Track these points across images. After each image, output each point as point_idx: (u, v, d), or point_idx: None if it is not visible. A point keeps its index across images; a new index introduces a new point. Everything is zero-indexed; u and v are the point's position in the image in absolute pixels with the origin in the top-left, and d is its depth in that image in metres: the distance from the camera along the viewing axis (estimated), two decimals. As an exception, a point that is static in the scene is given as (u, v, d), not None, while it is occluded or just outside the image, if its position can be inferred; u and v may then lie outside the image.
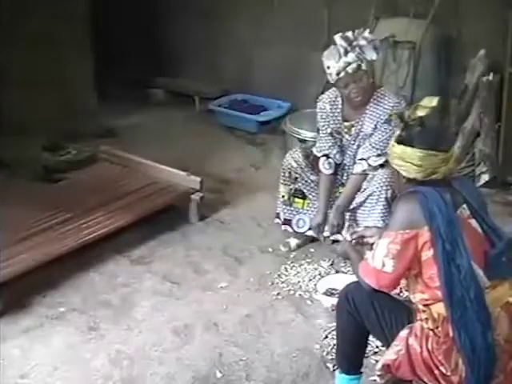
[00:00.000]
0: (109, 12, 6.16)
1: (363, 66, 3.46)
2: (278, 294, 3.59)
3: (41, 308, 3.49)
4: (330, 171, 3.79)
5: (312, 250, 3.99)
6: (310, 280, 3.69)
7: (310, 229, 3.91)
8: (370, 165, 3.63)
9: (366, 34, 3.50)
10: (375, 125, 3.59)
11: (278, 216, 3.98)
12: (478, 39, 4.69)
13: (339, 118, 3.72)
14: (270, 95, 5.85)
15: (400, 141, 2.44)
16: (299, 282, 3.68)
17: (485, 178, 4.53)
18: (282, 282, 3.68)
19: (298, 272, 3.77)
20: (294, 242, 4.01)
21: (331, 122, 3.73)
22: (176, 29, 6.33)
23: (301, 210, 3.91)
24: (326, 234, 3.85)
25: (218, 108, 5.89)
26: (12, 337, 3.27)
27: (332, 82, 3.56)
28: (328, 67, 3.49)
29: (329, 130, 3.75)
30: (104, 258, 3.89)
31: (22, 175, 4.73)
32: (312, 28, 5.53)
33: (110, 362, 3.11)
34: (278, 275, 3.74)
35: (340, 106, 3.70)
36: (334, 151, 3.76)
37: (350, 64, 3.43)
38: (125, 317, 3.42)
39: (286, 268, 3.81)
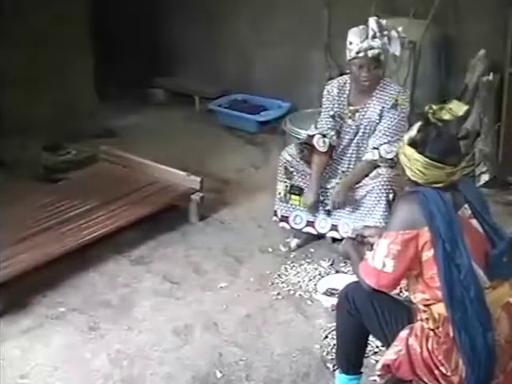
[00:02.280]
0: (109, 12, 6.15)
1: (382, 57, 3.54)
2: (278, 293, 3.59)
3: (41, 308, 3.49)
4: (325, 149, 3.79)
5: (312, 249, 3.99)
6: (310, 280, 3.69)
7: (307, 225, 3.91)
8: (381, 156, 3.65)
9: (400, 29, 3.59)
10: (381, 110, 3.65)
11: (275, 214, 3.97)
12: (478, 39, 4.70)
13: (345, 103, 3.76)
14: (270, 95, 5.85)
15: (412, 143, 2.42)
16: (299, 282, 3.68)
17: (485, 178, 4.53)
18: (282, 282, 3.68)
19: (298, 272, 3.77)
20: (294, 242, 4.01)
21: (336, 105, 3.77)
22: (176, 29, 6.33)
23: (297, 207, 3.91)
24: (323, 230, 3.88)
25: (218, 108, 5.89)
26: (12, 337, 3.27)
27: (348, 58, 3.59)
28: (350, 43, 3.55)
29: (331, 113, 3.78)
30: (104, 258, 3.89)
31: (21, 175, 4.74)
32: (312, 28, 5.53)
33: (110, 362, 3.11)
34: (278, 275, 3.74)
35: (347, 92, 3.76)
36: (332, 133, 3.78)
37: (372, 48, 3.50)
38: (125, 317, 3.43)
39: (286, 268, 3.80)
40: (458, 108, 2.43)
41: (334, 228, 3.83)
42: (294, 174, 3.86)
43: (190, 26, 6.21)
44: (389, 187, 3.59)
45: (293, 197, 3.90)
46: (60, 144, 5.05)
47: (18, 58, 5.00)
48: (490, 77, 4.54)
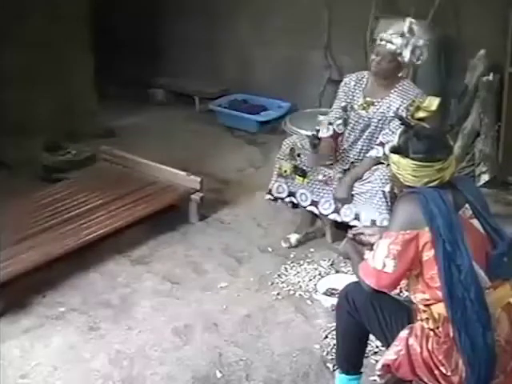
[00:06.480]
0: (109, 12, 6.15)
1: (399, 57, 3.61)
2: (278, 294, 3.59)
3: (41, 308, 3.49)
4: (328, 133, 3.83)
5: (312, 249, 3.99)
6: (310, 280, 3.69)
7: (311, 204, 3.88)
8: (385, 153, 3.66)
9: (422, 41, 3.65)
10: (397, 109, 3.66)
11: (270, 192, 3.96)
12: (478, 39, 4.70)
13: (359, 94, 3.81)
14: (270, 95, 5.85)
15: (396, 150, 2.44)
16: (299, 282, 3.68)
17: (485, 178, 4.53)
18: (282, 282, 3.69)
19: (298, 272, 3.77)
20: (294, 237, 4.01)
21: (350, 96, 3.83)
22: (176, 28, 6.32)
23: (302, 186, 3.90)
24: (325, 212, 3.85)
25: (218, 108, 5.89)
26: (12, 337, 3.27)
27: (372, 38, 3.66)
28: (384, 30, 3.66)
29: (343, 104, 3.85)
30: (104, 258, 3.89)
31: (22, 175, 4.74)
32: (312, 28, 5.53)
33: (110, 362, 3.11)
34: (278, 275, 3.74)
35: (363, 86, 3.82)
36: (338, 121, 3.84)
37: (392, 44, 3.58)
38: (125, 317, 3.43)
39: (285, 268, 3.81)
40: (430, 103, 2.44)
41: (336, 211, 3.83)
42: (302, 156, 3.87)
43: (190, 25, 6.20)
44: (386, 179, 3.60)
45: (297, 177, 3.90)
46: (60, 144, 5.05)
47: (18, 58, 5.00)
48: (490, 77, 4.55)
